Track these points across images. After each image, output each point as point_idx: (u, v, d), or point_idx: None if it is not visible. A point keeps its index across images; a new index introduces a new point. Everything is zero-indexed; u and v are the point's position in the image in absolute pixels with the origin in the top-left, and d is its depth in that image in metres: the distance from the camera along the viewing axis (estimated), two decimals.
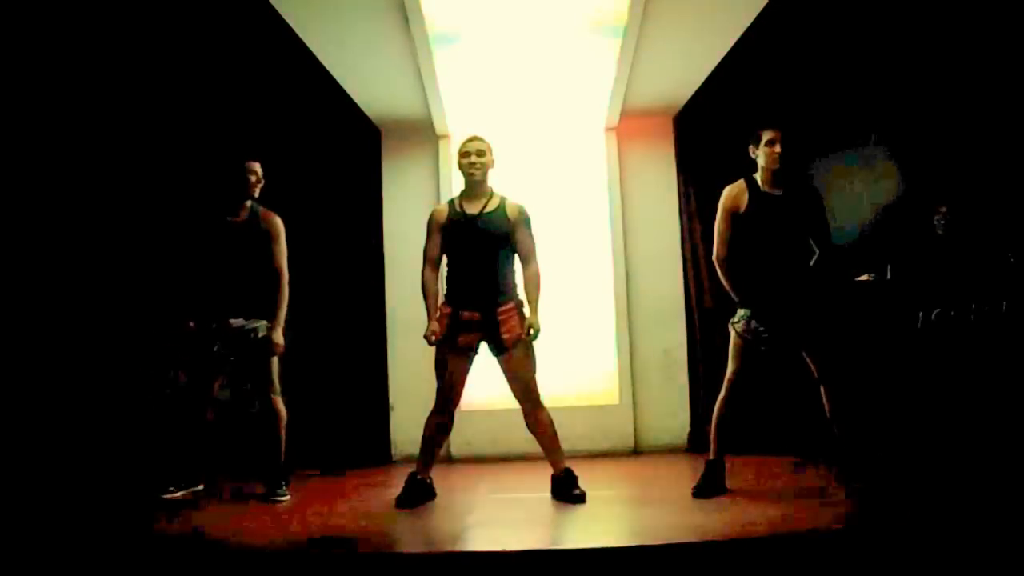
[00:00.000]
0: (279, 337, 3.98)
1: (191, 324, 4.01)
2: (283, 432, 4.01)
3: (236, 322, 3.96)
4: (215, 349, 3.97)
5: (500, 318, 3.71)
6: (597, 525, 3.34)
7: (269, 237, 4.03)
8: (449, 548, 3.02)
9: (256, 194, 4.05)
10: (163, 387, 5.06)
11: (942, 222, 5.00)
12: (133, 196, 5.23)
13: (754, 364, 3.66)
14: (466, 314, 3.73)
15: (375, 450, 5.19)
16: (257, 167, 4.05)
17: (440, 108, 5.03)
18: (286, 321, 4.04)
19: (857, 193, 5.46)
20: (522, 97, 5.04)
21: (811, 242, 3.73)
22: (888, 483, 3.65)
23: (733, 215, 3.69)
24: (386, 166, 5.47)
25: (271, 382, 4.00)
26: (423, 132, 5.40)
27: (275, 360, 4.02)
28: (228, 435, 5.02)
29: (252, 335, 3.96)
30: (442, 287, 3.92)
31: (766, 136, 3.63)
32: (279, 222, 4.08)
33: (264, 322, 3.97)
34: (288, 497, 3.95)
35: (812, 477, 3.95)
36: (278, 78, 5.32)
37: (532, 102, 5.12)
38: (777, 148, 3.60)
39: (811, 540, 2.93)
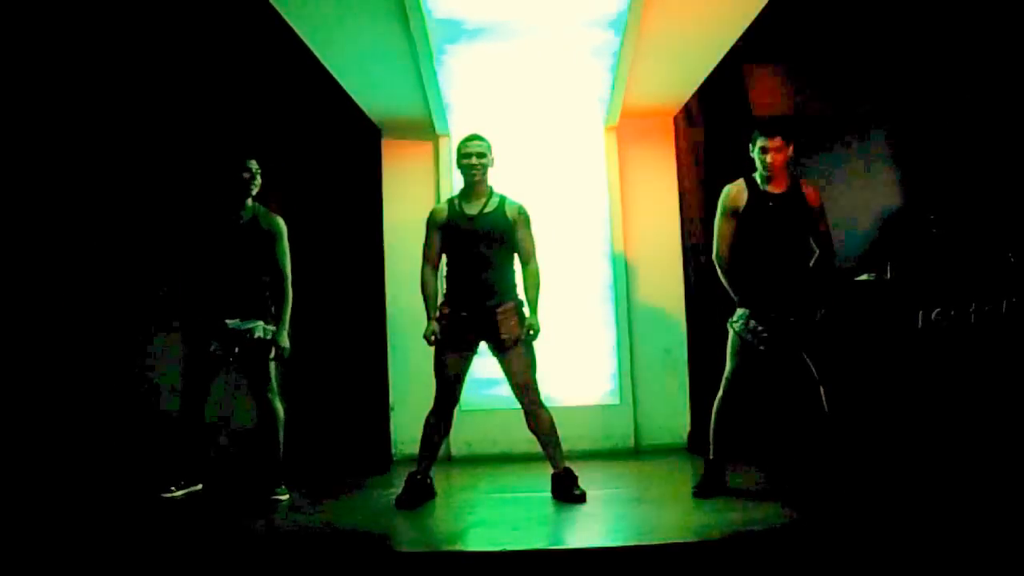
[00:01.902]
0: (285, 340, 3.98)
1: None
2: (281, 432, 4.01)
3: (232, 322, 3.95)
4: (212, 349, 3.97)
5: (499, 318, 3.71)
6: (597, 525, 3.34)
7: (272, 238, 4.03)
8: (449, 548, 3.02)
9: (254, 192, 4.03)
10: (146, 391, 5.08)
11: (933, 218, 4.99)
12: (134, 197, 5.24)
13: (752, 364, 3.66)
14: (466, 314, 3.73)
15: (375, 450, 5.19)
16: (254, 164, 4.02)
17: (440, 108, 5.02)
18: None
19: (857, 193, 5.46)
20: (522, 97, 5.03)
21: (811, 242, 3.73)
22: (885, 483, 3.66)
23: (732, 214, 3.69)
24: (386, 166, 5.46)
25: (269, 382, 4.00)
26: (423, 132, 5.39)
27: (272, 361, 4.02)
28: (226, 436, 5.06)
29: (248, 336, 3.95)
30: (442, 287, 3.92)
31: (759, 143, 3.64)
32: (282, 223, 4.07)
33: (260, 323, 3.96)
34: (288, 496, 3.95)
35: (811, 477, 3.95)
36: (278, 78, 5.32)
37: (532, 102, 5.11)
38: (768, 157, 3.61)
39: (810, 540, 2.93)
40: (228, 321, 3.95)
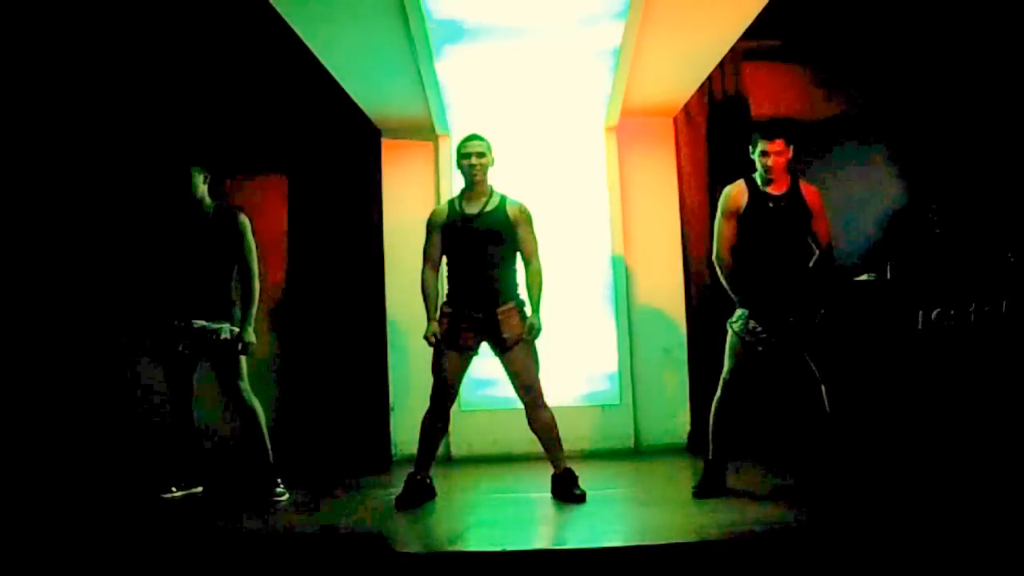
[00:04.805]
0: (250, 336, 3.93)
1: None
2: (264, 428, 3.97)
3: (198, 323, 3.92)
4: (180, 349, 3.96)
5: (501, 317, 3.71)
6: (597, 525, 3.33)
7: (237, 235, 3.99)
8: (449, 548, 3.02)
9: (203, 197, 4.01)
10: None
11: (935, 219, 4.99)
12: (128, 197, 5.23)
13: (751, 364, 3.66)
14: (467, 314, 3.73)
15: (375, 450, 5.18)
16: (199, 176, 4.00)
17: (440, 108, 5.02)
18: (257, 319, 3.98)
19: (857, 194, 5.46)
20: (522, 97, 5.03)
21: (811, 242, 3.73)
22: (887, 483, 3.66)
23: (732, 215, 3.69)
24: (386, 166, 5.47)
25: (240, 380, 3.95)
26: (423, 132, 5.39)
27: (243, 358, 3.97)
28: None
29: (214, 336, 3.91)
30: (443, 287, 3.92)
31: (760, 146, 3.63)
32: (246, 219, 4.02)
33: (227, 324, 3.92)
34: (287, 496, 3.94)
35: (812, 477, 3.95)
36: (278, 78, 5.32)
37: (532, 102, 5.11)
38: (769, 160, 3.61)
39: (810, 540, 2.93)
40: (195, 321, 3.92)
